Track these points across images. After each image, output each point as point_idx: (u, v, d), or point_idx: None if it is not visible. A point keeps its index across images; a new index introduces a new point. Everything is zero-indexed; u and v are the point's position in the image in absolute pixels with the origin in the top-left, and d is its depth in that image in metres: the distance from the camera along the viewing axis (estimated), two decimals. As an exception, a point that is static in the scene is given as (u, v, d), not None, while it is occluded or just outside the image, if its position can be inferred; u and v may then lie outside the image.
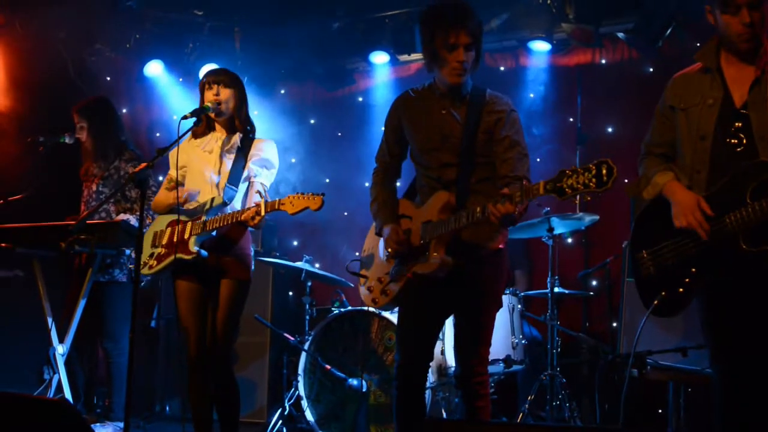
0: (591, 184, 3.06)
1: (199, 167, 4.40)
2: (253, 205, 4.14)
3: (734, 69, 3.39)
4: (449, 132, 3.72)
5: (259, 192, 4.23)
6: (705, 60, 3.47)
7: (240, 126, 4.45)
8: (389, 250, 3.78)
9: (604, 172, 3.03)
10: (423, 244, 3.67)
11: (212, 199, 4.27)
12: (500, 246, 3.76)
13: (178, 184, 4.41)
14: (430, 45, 3.66)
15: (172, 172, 4.50)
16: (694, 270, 3.38)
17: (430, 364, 3.85)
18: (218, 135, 4.46)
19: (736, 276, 3.27)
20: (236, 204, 4.36)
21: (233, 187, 4.33)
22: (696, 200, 3.34)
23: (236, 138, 4.43)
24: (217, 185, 4.35)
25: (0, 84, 7.07)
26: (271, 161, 4.43)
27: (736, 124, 3.32)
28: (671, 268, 3.46)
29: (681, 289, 3.41)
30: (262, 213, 4.06)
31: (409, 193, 4.00)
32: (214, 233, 4.27)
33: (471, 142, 3.67)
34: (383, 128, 4.00)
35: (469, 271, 3.67)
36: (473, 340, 3.73)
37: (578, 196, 3.13)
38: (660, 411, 5.90)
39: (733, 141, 3.31)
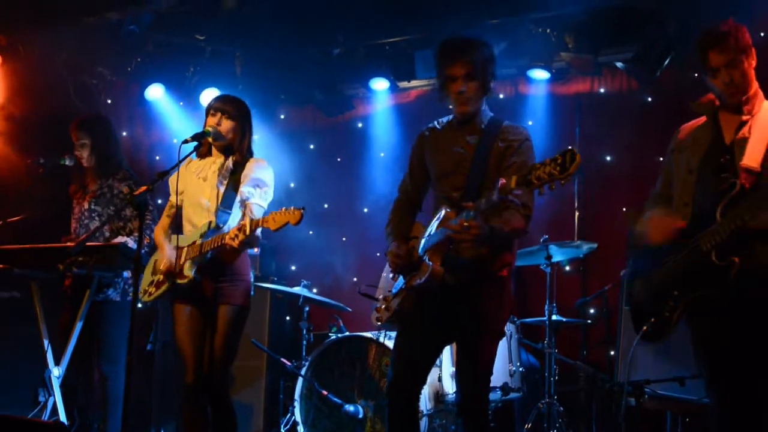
0: (555, 171, 3.12)
1: (195, 194, 4.40)
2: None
3: (728, 117, 3.55)
4: (462, 158, 3.79)
5: (243, 200, 4.23)
6: (701, 110, 3.66)
7: (239, 157, 4.45)
8: (391, 265, 3.85)
9: (568, 159, 3.10)
10: (420, 256, 3.72)
11: (209, 223, 4.27)
12: (504, 274, 3.77)
13: (178, 209, 4.42)
14: (438, 74, 3.88)
15: (173, 199, 4.51)
16: (676, 293, 3.47)
17: (425, 387, 3.88)
18: (213, 160, 4.46)
19: (710, 290, 3.36)
20: (233, 226, 4.36)
21: (227, 211, 4.32)
22: (668, 218, 3.52)
23: (229, 162, 4.43)
24: (210, 210, 4.35)
25: (1, 105, 7.09)
26: (262, 179, 4.39)
27: (723, 157, 3.46)
28: (656, 291, 3.56)
29: (666, 313, 3.50)
30: (247, 232, 4.04)
31: None
32: (208, 256, 4.26)
33: (480, 166, 3.73)
34: (409, 159, 4.09)
35: (472, 300, 3.68)
36: (474, 368, 3.73)
37: (546, 187, 3.16)
38: (657, 440, 5.87)
39: (721, 174, 3.44)
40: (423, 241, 3.75)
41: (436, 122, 4.03)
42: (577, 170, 3.10)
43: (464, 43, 3.79)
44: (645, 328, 3.58)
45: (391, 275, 3.93)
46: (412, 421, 3.79)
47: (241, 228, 4.06)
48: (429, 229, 3.76)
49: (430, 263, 3.62)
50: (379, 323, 3.95)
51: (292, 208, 3.98)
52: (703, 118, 3.66)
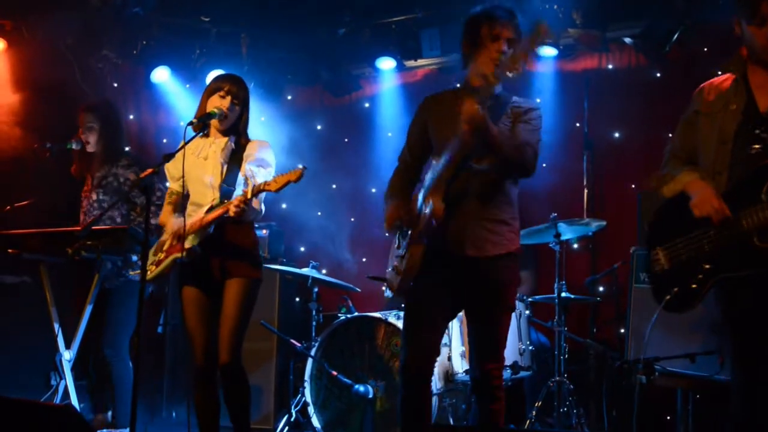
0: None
1: (197, 174, 4.36)
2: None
3: (760, 78, 3.42)
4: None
5: (246, 176, 4.18)
6: (731, 68, 3.52)
7: (242, 138, 4.43)
8: (387, 223, 3.78)
9: None
10: (421, 208, 3.67)
11: (212, 202, 4.25)
12: (513, 250, 3.75)
13: (183, 193, 4.40)
14: (475, 34, 3.73)
15: (173, 186, 4.49)
16: (707, 266, 3.38)
17: (436, 368, 3.84)
18: (212, 140, 4.43)
19: (750, 271, 3.27)
20: None
21: (231, 188, 4.30)
22: (715, 192, 3.37)
23: (229, 141, 4.41)
24: (214, 186, 4.33)
25: (7, 90, 7.09)
26: (266, 160, 4.36)
27: (760, 127, 3.34)
28: (684, 264, 3.46)
29: (694, 285, 3.41)
30: (249, 195, 4.01)
31: None
32: (210, 230, 4.22)
33: None
34: (409, 127, 4.01)
35: (489, 274, 3.67)
36: (489, 344, 3.73)
37: None
38: (669, 418, 5.87)
39: (755, 145, 3.33)
40: (421, 193, 3.69)
41: (440, 92, 3.95)
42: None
43: (513, 13, 3.80)
44: (668, 297, 3.49)
45: (396, 246, 3.85)
46: (426, 401, 3.76)
47: (243, 196, 4.04)
48: (426, 181, 3.69)
49: (430, 202, 3.53)
50: (392, 294, 3.89)
51: (293, 169, 3.97)
52: (729, 77, 3.52)
